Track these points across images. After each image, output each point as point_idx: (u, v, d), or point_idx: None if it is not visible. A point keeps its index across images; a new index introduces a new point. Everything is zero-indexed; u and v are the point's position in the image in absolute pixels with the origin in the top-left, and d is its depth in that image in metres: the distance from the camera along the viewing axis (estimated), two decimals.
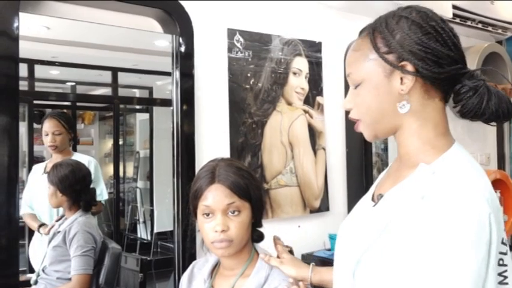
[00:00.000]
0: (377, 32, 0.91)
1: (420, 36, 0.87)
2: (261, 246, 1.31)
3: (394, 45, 0.88)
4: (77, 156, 1.93)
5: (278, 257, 1.28)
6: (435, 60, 0.86)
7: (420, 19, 0.88)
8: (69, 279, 1.70)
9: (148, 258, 2.03)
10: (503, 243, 0.83)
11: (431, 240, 0.79)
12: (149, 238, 2.12)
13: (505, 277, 0.83)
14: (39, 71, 1.81)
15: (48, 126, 1.88)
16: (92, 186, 1.87)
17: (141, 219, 2.15)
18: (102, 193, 1.95)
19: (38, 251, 1.79)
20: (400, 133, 0.93)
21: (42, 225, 1.82)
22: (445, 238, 0.78)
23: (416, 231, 0.81)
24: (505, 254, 0.83)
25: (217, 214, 1.17)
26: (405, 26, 0.88)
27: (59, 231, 1.75)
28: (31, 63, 1.75)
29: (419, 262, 0.80)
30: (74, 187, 1.77)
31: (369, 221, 0.94)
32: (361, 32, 0.96)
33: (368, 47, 0.91)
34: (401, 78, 0.88)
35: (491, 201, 0.82)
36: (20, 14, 1.46)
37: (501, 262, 0.83)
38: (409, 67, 0.87)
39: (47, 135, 1.87)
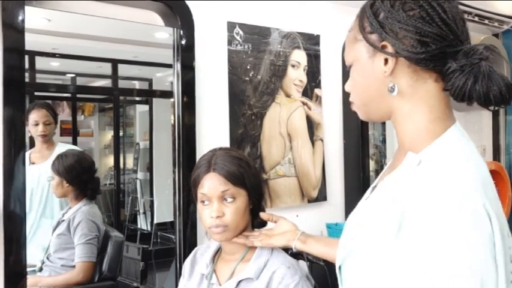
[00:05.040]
0: (364, 12, 0.85)
1: (401, 13, 0.79)
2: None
3: (376, 24, 0.81)
4: (60, 146, 1.93)
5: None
6: (418, 38, 0.78)
7: None
8: (73, 266, 1.73)
9: (149, 248, 2.06)
10: (509, 236, 0.72)
11: (419, 242, 0.70)
12: (149, 229, 2.14)
13: None
14: (40, 62, 1.81)
15: (39, 116, 1.87)
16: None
17: (141, 210, 2.17)
18: None
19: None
20: (394, 118, 0.86)
21: None
22: (435, 239, 0.68)
23: (400, 229, 0.74)
24: None
25: (214, 201, 1.22)
26: (388, 3, 0.81)
27: (63, 220, 1.78)
28: (32, 55, 1.74)
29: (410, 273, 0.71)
30: (81, 177, 1.79)
31: (358, 214, 0.91)
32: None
33: (357, 28, 0.87)
34: (386, 59, 0.81)
35: (485, 191, 0.72)
36: (25, 7, 1.47)
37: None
38: (389, 47, 0.80)
39: (37, 124, 1.86)
